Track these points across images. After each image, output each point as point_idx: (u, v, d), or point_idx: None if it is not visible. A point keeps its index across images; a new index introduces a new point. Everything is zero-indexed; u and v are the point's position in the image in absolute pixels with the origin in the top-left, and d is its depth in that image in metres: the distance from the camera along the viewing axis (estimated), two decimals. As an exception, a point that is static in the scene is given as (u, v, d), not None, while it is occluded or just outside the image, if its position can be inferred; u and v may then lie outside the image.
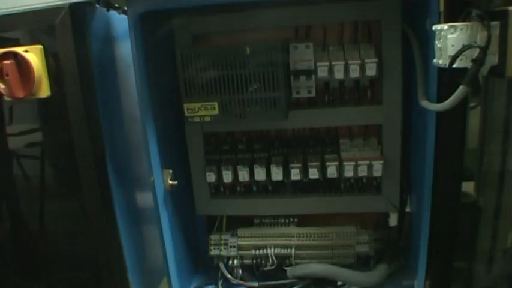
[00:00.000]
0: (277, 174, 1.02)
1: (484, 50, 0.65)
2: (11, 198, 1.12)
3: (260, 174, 1.02)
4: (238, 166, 1.03)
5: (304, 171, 1.02)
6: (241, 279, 1.12)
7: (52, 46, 0.88)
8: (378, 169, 0.99)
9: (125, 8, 0.90)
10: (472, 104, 0.98)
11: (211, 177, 1.05)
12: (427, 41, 0.81)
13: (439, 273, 0.92)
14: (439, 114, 0.82)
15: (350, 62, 0.93)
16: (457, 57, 0.67)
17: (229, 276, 1.12)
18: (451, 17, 0.72)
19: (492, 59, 0.67)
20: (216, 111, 0.92)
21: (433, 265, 0.91)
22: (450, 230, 0.89)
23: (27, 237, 1.13)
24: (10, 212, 1.14)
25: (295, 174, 1.01)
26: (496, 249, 0.97)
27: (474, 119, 0.99)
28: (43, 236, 1.12)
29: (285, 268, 1.09)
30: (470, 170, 1.01)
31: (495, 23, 0.66)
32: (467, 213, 0.99)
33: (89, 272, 1.06)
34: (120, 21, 0.98)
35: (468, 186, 1.01)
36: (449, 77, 0.69)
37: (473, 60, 0.66)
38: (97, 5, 0.90)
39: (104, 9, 0.93)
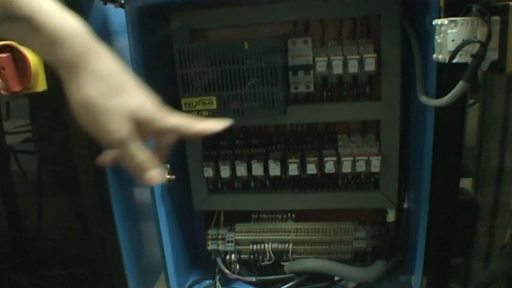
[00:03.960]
0: (275, 170, 1.02)
1: (484, 45, 0.65)
2: (7, 194, 1.11)
3: (258, 170, 1.02)
4: (236, 161, 1.03)
5: (302, 166, 1.02)
6: (238, 274, 1.12)
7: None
8: (376, 165, 0.98)
9: (122, 2, 0.89)
10: (471, 101, 0.97)
11: (208, 172, 1.05)
12: (426, 36, 0.80)
13: (437, 270, 0.92)
14: (438, 111, 0.81)
15: (349, 57, 0.92)
16: (457, 52, 0.66)
17: (227, 271, 1.11)
18: (451, 12, 0.72)
19: (492, 55, 0.66)
20: (214, 106, 0.91)
21: (430, 261, 0.91)
22: (448, 226, 0.89)
23: (24, 234, 1.12)
24: (7, 208, 1.14)
25: (293, 170, 1.01)
26: (493, 245, 0.98)
27: (473, 115, 0.99)
28: (40, 232, 1.11)
29: (283, 263, 1.09)
30: (468, 166, 1.01)
31: (496, 18, 0.65)
32: (465, 210, 0.99)
33: (87, 268, 1.05)
34: (117, 15, 0.98)
35: (466, 183, 1.01)
36: (448, 73, 0.68)
37: (473, 56, 0.66)
38: (94, -2, 0.90)
39: (101, 2, 0.92)
